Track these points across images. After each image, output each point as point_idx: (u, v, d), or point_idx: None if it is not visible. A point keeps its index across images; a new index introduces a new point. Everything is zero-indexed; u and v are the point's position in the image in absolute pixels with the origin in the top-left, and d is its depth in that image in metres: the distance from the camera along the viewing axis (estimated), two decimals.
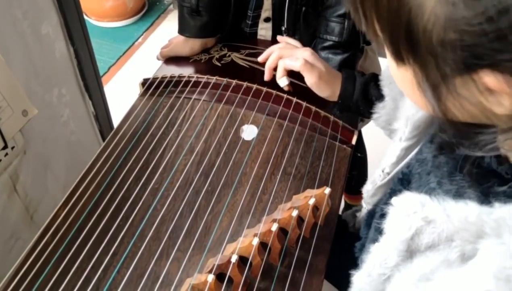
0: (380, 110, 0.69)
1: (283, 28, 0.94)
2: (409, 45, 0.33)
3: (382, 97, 0.69)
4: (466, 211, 0.35)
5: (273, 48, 0.79)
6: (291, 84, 0.79)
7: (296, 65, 0.72)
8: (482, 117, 0.35)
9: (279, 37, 0.86)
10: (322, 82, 0.72)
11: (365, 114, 0.73)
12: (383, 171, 0.61)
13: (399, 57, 0.35)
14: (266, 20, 0.95)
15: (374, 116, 0.71)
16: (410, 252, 0.39)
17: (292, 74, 0.78)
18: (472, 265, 0.34)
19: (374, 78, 0.71)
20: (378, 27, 0.35)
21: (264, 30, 0.97)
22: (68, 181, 1.08)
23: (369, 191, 0.65)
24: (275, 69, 0.77)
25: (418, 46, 0.33)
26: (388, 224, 0.41)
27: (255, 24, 0.96)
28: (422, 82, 0.35)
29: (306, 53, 0.73)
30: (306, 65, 0.71)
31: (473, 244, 0.35)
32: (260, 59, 0.82)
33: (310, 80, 0.72)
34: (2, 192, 0.87)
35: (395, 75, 0.39)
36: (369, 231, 0.62)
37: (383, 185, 0.62)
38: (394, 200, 0.40)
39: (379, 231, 0.56)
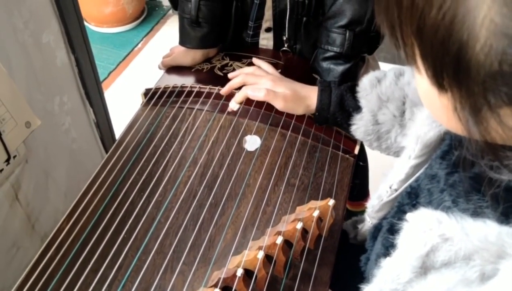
0: (358, 121, 0.70)
1: (285, 38, 0.94)
2: (455, 74, 0.31)
3: (359, 109, 0.70)
4: (485, 230, 0.35)
5: (242, 71, 0.81)
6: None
7: (260, 96, 0.74)
8: None
9: (254, 60, 0.88)
10: (290, 103, 0.74)
11: (343, 125, 0.73)
12: (390, 187, 0.61)
13: (440, 84, 0.33)
14: (267, 30, 0.95)
15: (352, 127, 0.71)
16: (425, 269, 0.39)
17: None
18: (492, 285, 0.34)
19: (350, 90, 0.72)
20: (419, 53, 0.34)
21: (265, 40, 0.97)
22: (69, 189, 1.08)
23: (375, 206, 0.65)
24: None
25: (465, 76, 0.31)
26: (402, 240, 0.41)
27: (256, 34, 0.96)
28: (461, 109, 0.33)
29: (268, 82, 0.76)
30: (269, 94, 0.74)
31: (493, 264, 0.35)
32: (230, 75, 0.84)
33: (278, 106, 0.75)
34: (4, 201, 0.86)
35: (427, 96, 0.37)
36: (374, 244, 0.62)
37: (389, 200, 0.62)
38: (409, 215, 0.40)
39: (387, 246, 0.56)
